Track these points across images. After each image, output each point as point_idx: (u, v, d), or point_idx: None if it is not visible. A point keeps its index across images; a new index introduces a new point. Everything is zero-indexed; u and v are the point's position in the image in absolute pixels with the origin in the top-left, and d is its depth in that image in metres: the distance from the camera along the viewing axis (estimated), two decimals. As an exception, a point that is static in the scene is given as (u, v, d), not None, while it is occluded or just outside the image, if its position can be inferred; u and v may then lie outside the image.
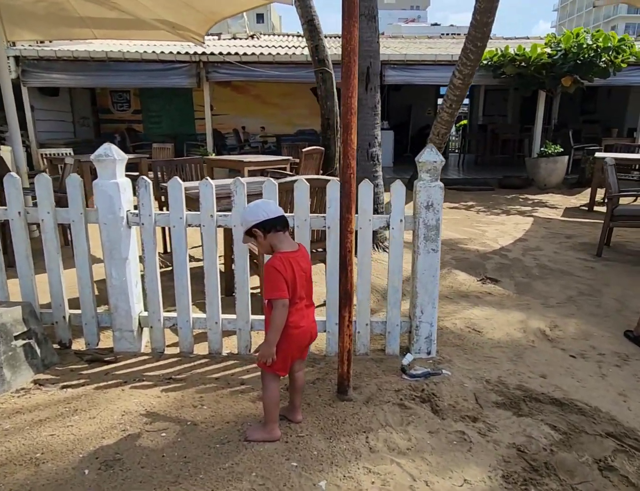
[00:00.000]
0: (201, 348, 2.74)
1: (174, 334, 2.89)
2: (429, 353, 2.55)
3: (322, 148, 6.71)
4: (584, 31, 7.59)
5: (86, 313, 2.66)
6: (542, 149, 8.11)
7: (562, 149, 7.92)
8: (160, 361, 2.58)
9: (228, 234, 3.39)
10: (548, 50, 7.87)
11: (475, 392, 2.25)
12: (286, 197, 2.90)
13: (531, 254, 4.64)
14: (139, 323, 2.68)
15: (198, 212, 2.51)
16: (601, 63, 7.35)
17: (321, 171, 6.95)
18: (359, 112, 4.78)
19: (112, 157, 2.42)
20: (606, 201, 4.74)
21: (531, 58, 7.74)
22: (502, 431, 1.97)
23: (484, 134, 11.55)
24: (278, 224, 1.85)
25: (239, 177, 2.47)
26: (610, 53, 7.34)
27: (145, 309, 2.70)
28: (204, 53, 9.20)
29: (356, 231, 2.37)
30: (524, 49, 7.93)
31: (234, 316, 2.65)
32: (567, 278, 3.91)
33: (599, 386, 2.33)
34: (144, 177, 2.49)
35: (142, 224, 2.52)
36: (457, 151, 16.03)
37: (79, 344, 2.76)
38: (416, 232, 2.42)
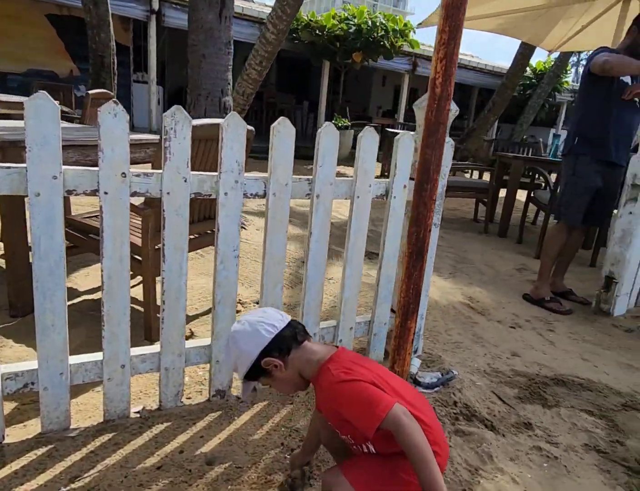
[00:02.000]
0: (79, 415, 1.55)
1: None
2: (415, 352, 2.07)
3: (112, 94, 5.14)
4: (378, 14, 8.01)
5: None
6: (332, 122, 8.32)
7: (349, 123, 8.34)
8: (9, 465, 1.30)
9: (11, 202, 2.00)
10: (336, 22, 8.00)
11: (491, 389, 1.92)
12: (204, 149, 1.88)
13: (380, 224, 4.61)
14: (-60, 397, 1.29)
15: (94, 169, 1.31)
16: (387, 44, 7.93)
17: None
18: (209, 46, 3.72)
19: None
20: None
21: (326, 27, 7.73)
22: (560, 433, 1.69)
23: (259, 102, 11.23)
24: (298, 333, 1.15)
25: (179, 106, 1.39)
26: (397, 35, 8.01)
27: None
28: None
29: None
30: (318, 16, 7.87)
31: (154, 349, 1.56)
32: (430, 246, 3.99)
33: (562, 355, 2.32)
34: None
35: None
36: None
37: None
38: (420, 202, 1.86)
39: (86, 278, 2.60)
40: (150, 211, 1.92)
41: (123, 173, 1.34)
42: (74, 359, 1.44)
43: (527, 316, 2.77)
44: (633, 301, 2.92)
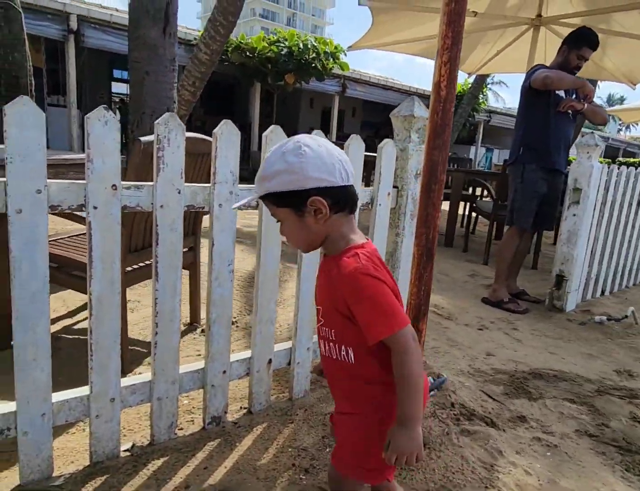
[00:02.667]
0: (58, 461, 1.37)
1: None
2: (402, 359, 2.07)
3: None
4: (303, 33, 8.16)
5: None
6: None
7: (285, 143, 8.32)
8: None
9: None
10: (267, 44, 8.05)
11: (479, 388, 1.96)
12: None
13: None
14: None
15: (81, 182, 1.20)
16: (319, 66, 8.10)
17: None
18: (152, 63, 3.59)
19: None
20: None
21: (257, 49, 7.76)
22: (551, 422, 1.77)
23: (188, 125, 10.96)
24: (356, 198, 1.01)
25: (172, 113, 1.31)
26: (328, 58, 8.21)
27: None
28: None
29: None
30: (247, 38, 7.88)
31: (145, 378, 1.42)
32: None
33: (531, 351, 2.44)
34: None
35: None
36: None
37: None
38: (403, 208, 1.89)
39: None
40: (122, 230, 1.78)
41: (114, 185, 1.23)
42: (57, 397, 1.28)
43: (491, 318, 2.89)
44: (581, 296, 3.16)
